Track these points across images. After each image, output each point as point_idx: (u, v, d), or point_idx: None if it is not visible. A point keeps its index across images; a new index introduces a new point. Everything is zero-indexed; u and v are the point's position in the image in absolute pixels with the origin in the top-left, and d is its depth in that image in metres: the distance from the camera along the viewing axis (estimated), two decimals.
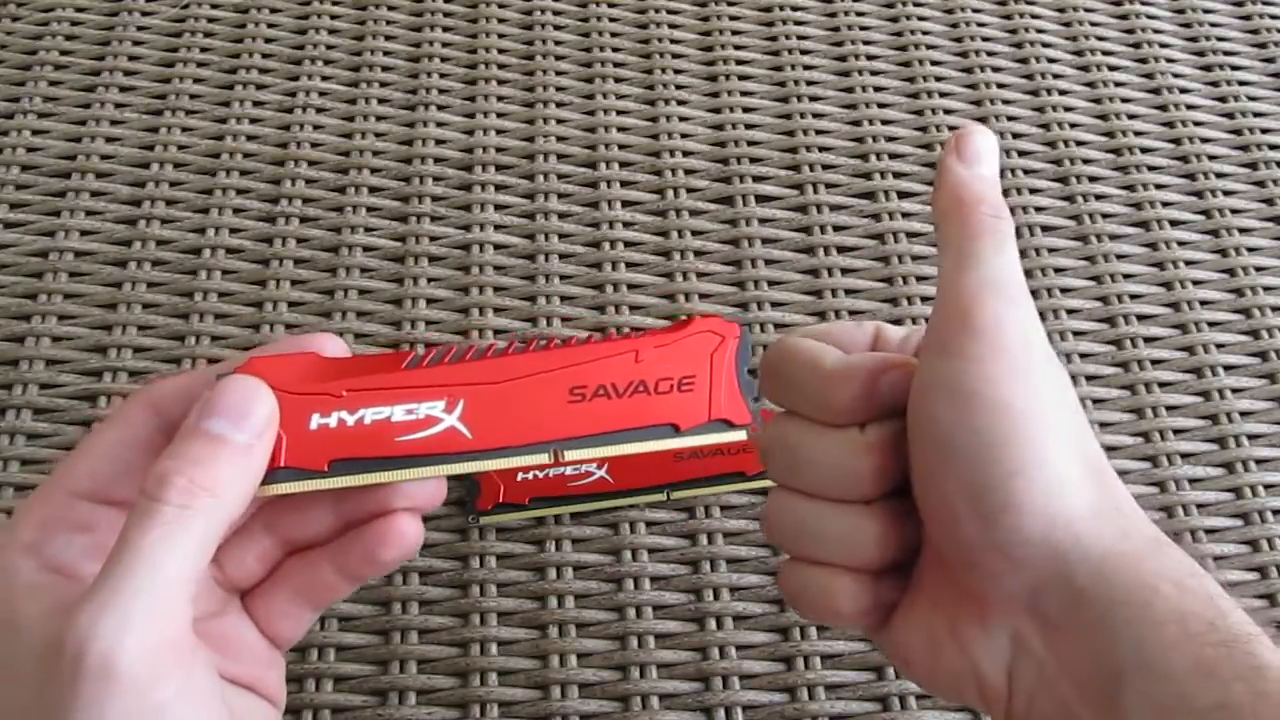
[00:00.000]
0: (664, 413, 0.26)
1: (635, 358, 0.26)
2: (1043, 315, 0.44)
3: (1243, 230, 0.47)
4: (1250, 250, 0.46)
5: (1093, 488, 0.23)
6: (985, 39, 0.51)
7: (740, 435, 0.26)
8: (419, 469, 0.25)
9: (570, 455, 0.25)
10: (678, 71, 0.49)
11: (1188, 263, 0.46)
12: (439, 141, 0.47)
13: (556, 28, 0.50)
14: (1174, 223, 0.47)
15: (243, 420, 0.23)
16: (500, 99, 0.48)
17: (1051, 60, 0.51)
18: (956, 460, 0.23)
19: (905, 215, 0.46)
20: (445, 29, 0.50)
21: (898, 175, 0.47)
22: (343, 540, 0.27)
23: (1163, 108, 0.50)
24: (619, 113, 0.48)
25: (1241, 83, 0.51)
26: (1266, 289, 0.45)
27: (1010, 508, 0.23)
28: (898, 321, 0.43)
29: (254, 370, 0.24)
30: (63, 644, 0.20)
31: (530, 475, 0.38)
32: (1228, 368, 0.43)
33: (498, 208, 0.45)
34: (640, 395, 0.26)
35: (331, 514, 0.27)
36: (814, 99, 0.49)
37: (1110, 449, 0.41)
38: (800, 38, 0.51)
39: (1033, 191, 0.47)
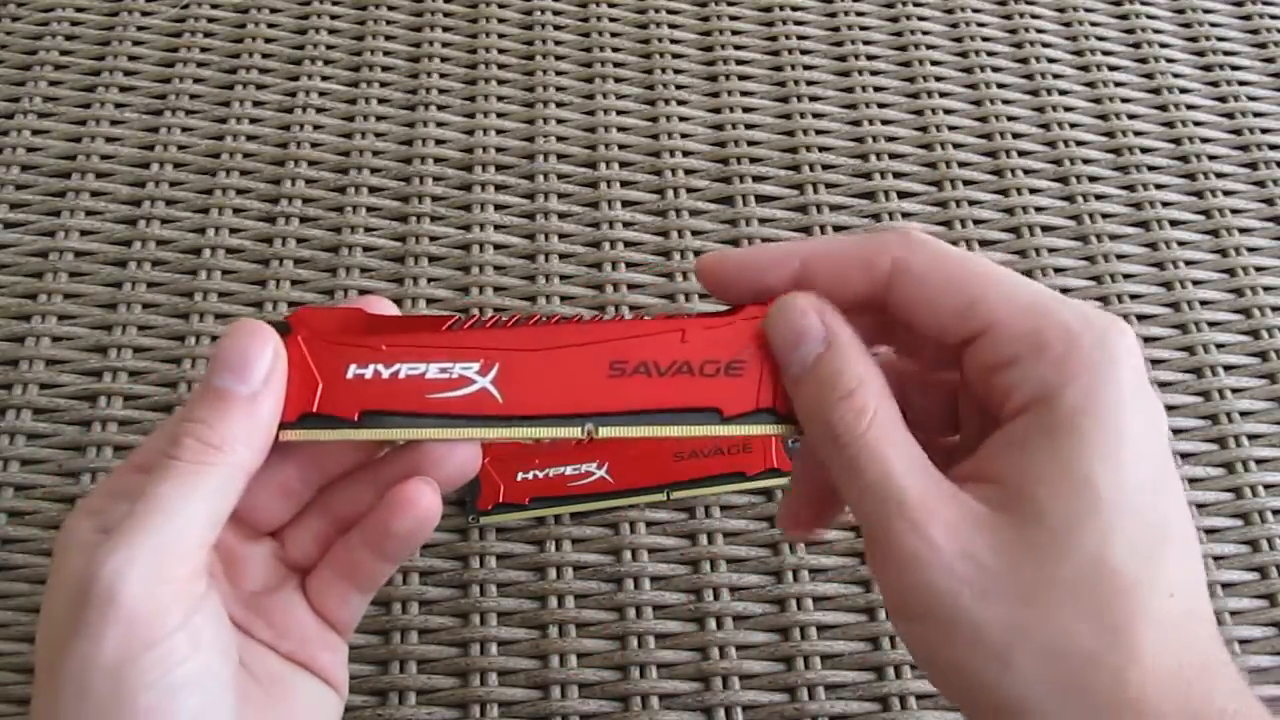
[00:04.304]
0: (708, 396, 0.24)
1: (681, 337, 0.24)
2: None
3: (1243, 230, 0.47)
4: (1250, 250, 0.46)
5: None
6: (985, 39, 0.51)
7: (788, 428, 0.24)
8: (445, 429, 0.25)
9: (605, 432, 0.24)
10: (678, 71, 0.49)
11: (1188, 263, 0.46)
12: (439, 141, 0.47)
13: (556, 28, 0.50)
14: (1174, 223, 0.47)
15: (245, 371, 0.24)
16: (500, 99, 0.48)
17: (1051, 60, 0.51)
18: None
19: (905, 215, 0.46)
20: (445, 29, 0.50)
21: (898, 175, 0.47)
22: (369, 514, 0.27)
23: (1163, 108, 0.50)
24: (619, 113, 0.48)
25: (1241, 83, 0.51)
26: (1266, 289, 0.45)
27: None
28: None
29: (300, 318, 0.25)
30: (78, 577, 0.22)
31: (530, 475, 0.38)
32: (1228, 368, 0.43)
33: (498, 208, 0.45)
34: (683, 376, 0.24)
35: (372, 489, 0.27)
36: (814, 99, 0.49)
37: None
38: (800, 38, 0.51)
39: (1033, 191, 0.47)
